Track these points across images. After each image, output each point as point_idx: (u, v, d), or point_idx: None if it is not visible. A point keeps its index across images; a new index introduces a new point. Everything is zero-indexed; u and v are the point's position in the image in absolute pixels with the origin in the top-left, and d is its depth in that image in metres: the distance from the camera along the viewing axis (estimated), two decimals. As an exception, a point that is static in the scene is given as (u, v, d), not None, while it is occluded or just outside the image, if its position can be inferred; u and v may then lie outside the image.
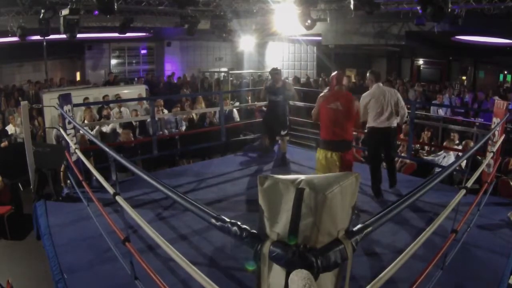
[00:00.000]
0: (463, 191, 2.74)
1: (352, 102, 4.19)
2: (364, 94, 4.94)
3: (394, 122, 4.89)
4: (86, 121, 7.48)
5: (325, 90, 4.45)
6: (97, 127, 7.70)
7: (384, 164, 5.30)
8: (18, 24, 8.52)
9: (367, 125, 4.96)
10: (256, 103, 8.79)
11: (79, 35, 8.39)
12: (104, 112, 8.44)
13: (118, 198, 2.47)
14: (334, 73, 4.39)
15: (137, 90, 10.41)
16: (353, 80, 13.71)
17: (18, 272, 4.49)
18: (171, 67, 15.64)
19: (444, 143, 6.76)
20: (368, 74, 5.17)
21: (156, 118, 8.02)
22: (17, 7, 8.35)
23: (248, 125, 8.03)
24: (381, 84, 4.95)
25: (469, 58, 13.70)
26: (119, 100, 8.97)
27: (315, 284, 1.21)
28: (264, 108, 7.63)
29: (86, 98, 8.46)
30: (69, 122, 4.89)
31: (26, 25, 8.58)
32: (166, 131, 8.10)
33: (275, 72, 6.26)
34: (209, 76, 15.00)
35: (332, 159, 4.10)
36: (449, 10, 6.38)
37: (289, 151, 7.03)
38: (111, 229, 2.92)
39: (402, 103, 4.90)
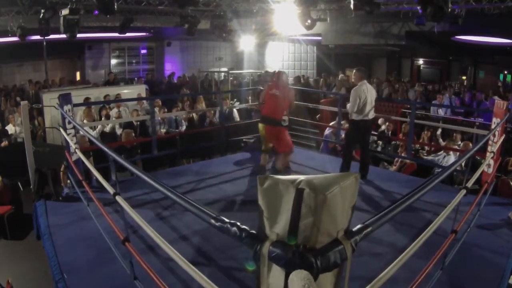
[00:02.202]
0: (463, 191, 2.73)
1: (288, 91, 5.62)
2: (356, 89, 5.38)
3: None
4: (85, 121, 7.48)
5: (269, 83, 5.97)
6: (99, 127, 7.71)
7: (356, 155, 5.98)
8: (18, 24, 8.51)
9: (355, 118, 5.40)
10: (253, 103, 8.85)
11: (79, 35, 8.38)
12: (103, 112, 8.44)
13: (118, 198, 2.47)
14: (276, 71, 5.87)
15: (137, 90, 10.41)
16: (353, 80, 13.69)
17: (18, 272, 4.49)
18: (171, 67, 15.64)
19: (444, 143, 6.76)
20: (356, 71, 5.60)
21: (159, 118, 8.08)
22: (17, 7, 8.35)
23: (248, 125, 8.03)
24: (365, 81, 5.48)
25: (469, 58, 13.70)
26: (119, 100, 8.96)
27: (315, 285, 1.21)
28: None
29: (88, 98, 8.46)
30: (69, 122, 4.89)
31: (26, 25, 8.57)
32: (163, 131, 8.09)
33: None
34: (209, 76, 15.01)
35: (263, 129, 5.55)
36: (449, 10, 6.38)
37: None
38: (111, 229, 2.92)
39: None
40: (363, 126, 5.46)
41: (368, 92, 5.35)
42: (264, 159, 5.96)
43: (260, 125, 5.72)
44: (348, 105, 5.52)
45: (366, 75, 5.65)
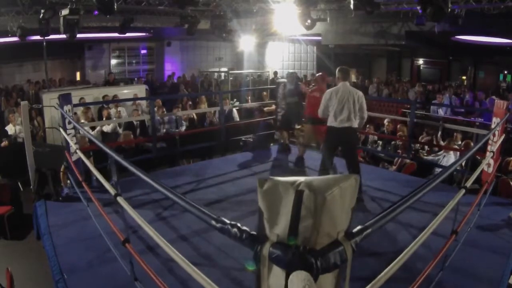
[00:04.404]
0: (462, 191, 2.74)
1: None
2: (327, 90, 4.90)
3: (355, 123, 4.75)
4: (82, 121, 7.48)
5: None
6: (98, 127, 7.70)
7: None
8: (18, 24, 8.52)
9: (328, 124, 4.85)
10: (255, 103, 8.94)
11: (79, 35, 8.38)
12: (105, 113, 8.43)
13: (119, 199, 2.47)
14: (320, 74, 5.97)
15: (137, 90, 10.40)
16: (354, 80, 13.72)
17: (18, 272, 4.48)
18: (171, 67, 15.64)
19: (445, 143, 6.76)
20: (337, 71, 4.98)
21: (159, 118, 8.09)
22: (17, 7, 8.36)
23: (247, 125, 8.04)
24: (347, 83, 4.82)
25: (469, 58, 13.70)
26: (118, 100, 8.95)
27: (315, 286, 1.22)
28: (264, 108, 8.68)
29: (82, 98, 8.42)
30: (69, 122, 4.89)
31: (26, 25, 8.58)
32: (163, 131, 8.10)
33: (293, 76, 7.00)
34: (209, 76, 15.02)
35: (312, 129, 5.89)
36: (449, 10, 6.38)
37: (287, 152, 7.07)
38: (111, 229, 2.92)
39: (364, 107, 4.82)
40: (337, 134, 4.75)
41: (345, 96, 4.66)
42: (303, 151, 6.36)
43: (309, 126, 5.92)
44: None
45: (346, 76, 4.95)
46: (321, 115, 4.90)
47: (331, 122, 4.77)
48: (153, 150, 6.26)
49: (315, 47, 14.24)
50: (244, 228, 1.53)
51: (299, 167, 6.22)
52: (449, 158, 6.18)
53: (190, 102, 10.16)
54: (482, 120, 8.28)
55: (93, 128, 7.60)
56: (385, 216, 1.74)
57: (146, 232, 2.08)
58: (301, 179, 1.40)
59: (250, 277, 2.97)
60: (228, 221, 1.61)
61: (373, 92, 11.77)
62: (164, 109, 8.75)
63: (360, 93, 4.83)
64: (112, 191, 2.57)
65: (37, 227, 4.48)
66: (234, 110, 9.25)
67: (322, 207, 1.32)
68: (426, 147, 7.12)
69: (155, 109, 7.35)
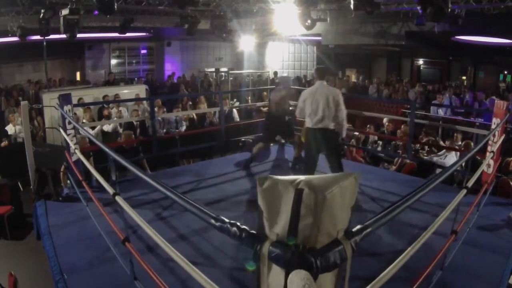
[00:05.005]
0: (464, 191, 2.73)
1: None
2: (304, 91, 4.80)
3: (331, 124, 4.61)
4: (84, 121, 7.48)
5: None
6: (98, 127, 7.70)
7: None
8: (18, 24, 8.52)
9: (307, 124, 4.75)
10: (256, 103, 8.94)
11: (79, 35, 8.39)
12: (105, 112, 8.43)
13: (117, 198, 2.46)
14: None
15: (137, 90, 10.41)
16: (353, 80, 13.72)
17: (18, 272, 4.47)
18: (171, 67, 15.65)
19: (446, 143, 6.76)
20: (313, 71, 4.94)
21: (160, 118, 8.08)
22: (17, 7, 8.36)
23: (248, 125, 8.05)
24: (324, 83, 4.68)
25: (469, 58, 13.71)
26: (118, 100, 8.95)
27: (314, 285, 1.21)
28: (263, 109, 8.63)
29: (81, 99, 8.43)
30: (69, 123, 4.89)
31: (26, 25, 8.58)
32: (163, 131, 8.11)
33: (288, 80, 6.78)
34: (209, 76, 15.03)
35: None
36: (449, 10, 6.39)
37: (287, 152, 7.06)
38: (110, 229, 2.92)
39: (342, 107, 4.62)
40: (314, 135, 4.63)
41: (320, 96, 4.51)
42: (299, 151, 6.09)
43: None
44: None
45: (323, 75, 4.74)
46: (298, 115, 4.87)
47: (307, 123, 4.70)
48: (153, 150, 6.26)
49: (315, 47, 14.24)
50: (244, 227, 1.52)
51: (298, 168, 6.19)
52: (450, 159, 6.18)
53: (190, 102, 10.16)
54: (482, 120, 8.28)
55: (93, 128, 7.60)
56: (385, 216, 1.73)
57: (146, 232, 2.08)
58: (300, 177, 1.40)
59: (250, 277, 2.96)
60: (227, 220, 1.61)
61: (373, 92, 11.77)
62: (165, 109, 8.76)
63: (336, 91, 4.70)
64: (110, 190, 2.56)
65: (37, 227, 4.48)
66: (234, 110, 9.25)
67: (322, 206, 1.32)
68: (426, 147, 7.12)
69: (155, 109, 7.35)
